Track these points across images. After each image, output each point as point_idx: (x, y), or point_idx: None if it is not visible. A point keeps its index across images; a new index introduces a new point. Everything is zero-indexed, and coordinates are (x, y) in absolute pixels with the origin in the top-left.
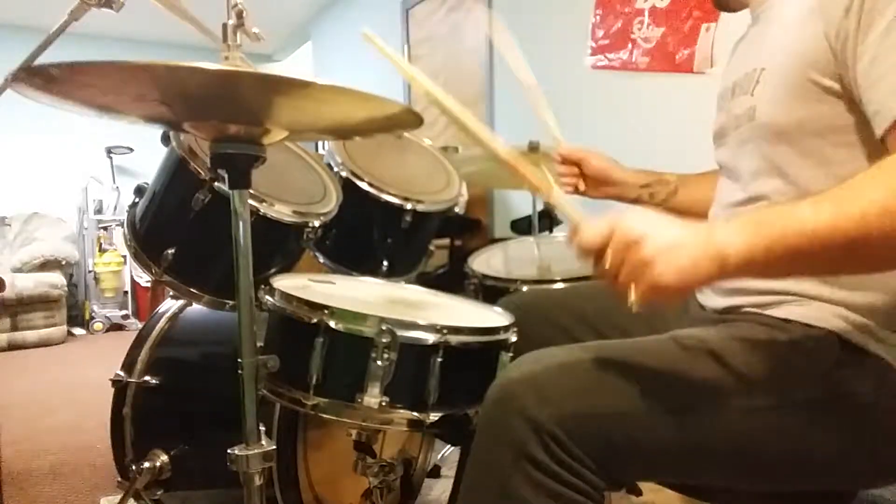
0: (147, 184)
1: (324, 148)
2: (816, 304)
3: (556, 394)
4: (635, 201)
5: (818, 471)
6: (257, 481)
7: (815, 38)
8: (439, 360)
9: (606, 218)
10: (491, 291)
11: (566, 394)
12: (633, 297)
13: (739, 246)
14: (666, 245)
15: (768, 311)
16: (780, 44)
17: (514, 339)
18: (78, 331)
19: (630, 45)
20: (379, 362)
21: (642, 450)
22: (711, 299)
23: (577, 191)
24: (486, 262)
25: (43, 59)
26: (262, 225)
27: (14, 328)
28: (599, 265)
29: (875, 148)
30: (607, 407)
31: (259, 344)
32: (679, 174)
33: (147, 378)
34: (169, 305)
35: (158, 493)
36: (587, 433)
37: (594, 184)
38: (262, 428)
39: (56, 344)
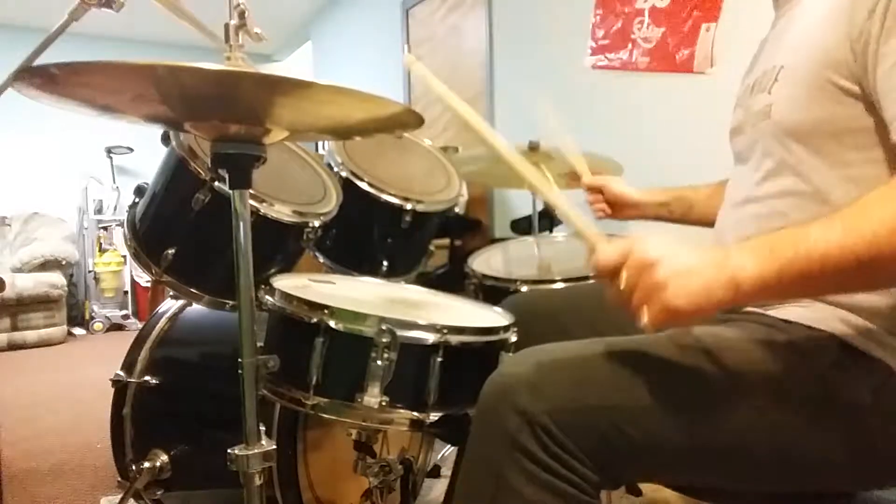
0: (147, 184)
1: (324, 148)
2: (819, 307)
3: (550, 387)
4: (656, 219)
5: (814, 472)
6: (257, 481)
7: (837, 38)
8: (439, 359)
9: (624, 240)
10: (491, 291)
11: (559, 388)
12: (645, 318)
13: (752, 271)
14: (680, 269)
15: (770, 312)
16: (801, 42)
17: (514, 339)
18: (78, 331)
19: (630, 45)
20: (379, 362)
21: (635, 446)
22: None
23: (605, 215)
24: (486, 262)
25: (43, 60)
26: (262, 225)
27: (14, 328)
28: (614, 285)
29: (892, 153)
30: (600, 402)
31: (259, 344)
32: (695, 188)
33: (147, 378)
34: (169, 305)
35: (158, 493)
36: (579, 427)
37: (616, 207)
38: (262, 428)
39: (56, 344)
